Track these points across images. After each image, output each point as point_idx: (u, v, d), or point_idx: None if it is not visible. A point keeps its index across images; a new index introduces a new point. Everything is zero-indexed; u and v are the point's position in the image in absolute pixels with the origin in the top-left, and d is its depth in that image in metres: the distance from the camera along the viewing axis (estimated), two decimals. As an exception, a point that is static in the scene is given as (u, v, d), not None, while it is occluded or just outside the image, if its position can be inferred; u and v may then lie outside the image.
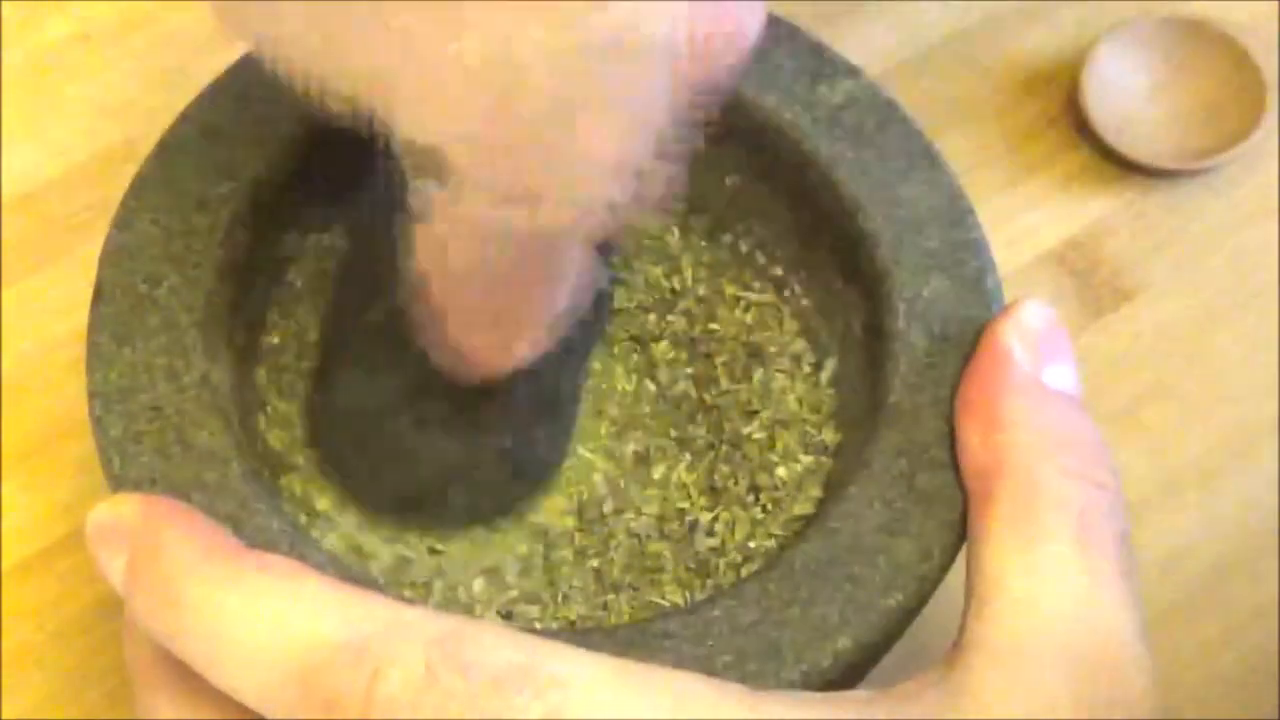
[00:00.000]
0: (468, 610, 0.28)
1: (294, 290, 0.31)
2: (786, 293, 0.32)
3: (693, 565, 0.29)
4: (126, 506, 0.24)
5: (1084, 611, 0.23)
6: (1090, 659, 0.23)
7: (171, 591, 0.23)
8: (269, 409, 0.30)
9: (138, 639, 0.24)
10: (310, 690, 0.21)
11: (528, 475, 0.30)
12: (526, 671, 0.21)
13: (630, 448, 0.30)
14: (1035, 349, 0.26)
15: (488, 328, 0.25)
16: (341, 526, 0.29)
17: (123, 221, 0.28)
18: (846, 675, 0.25)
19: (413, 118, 0.21)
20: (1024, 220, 0.41)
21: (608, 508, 0.30)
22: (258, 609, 0.22)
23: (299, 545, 0.25)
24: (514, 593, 0.29)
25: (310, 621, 0.22)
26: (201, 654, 0.22)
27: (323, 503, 0.29)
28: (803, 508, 0.29)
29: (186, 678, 0.23)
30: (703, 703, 0.21)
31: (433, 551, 0.29)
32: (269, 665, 0.22)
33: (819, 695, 0.23)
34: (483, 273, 0.23)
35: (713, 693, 0.22)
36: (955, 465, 0.26)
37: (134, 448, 0.25)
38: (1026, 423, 0.25)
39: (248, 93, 0.29)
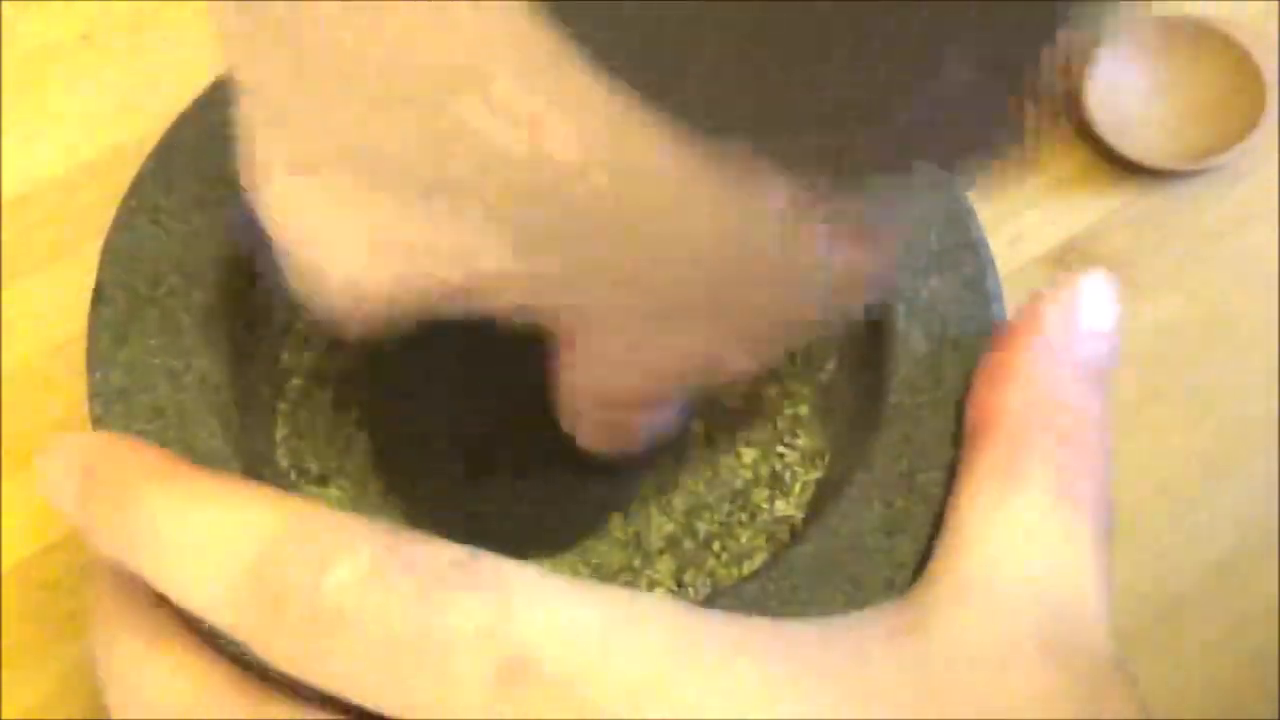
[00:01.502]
0: None
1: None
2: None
3: (691, 563, 0.29)
4: (84, 436, 0.24)
5: (1054, 563, 0.23)
6: (1057, 606, 0.23)
7: (123, 500, 0.23)
8: (281, 414, 0.30)
9: (99, 577, 0.25)
10: (258, 586, 0.21)
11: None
12: (472, 568, 0.21)
13: None
14: (1069, 315, 0.26)
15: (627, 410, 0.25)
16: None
17: (123, 222, 0.28)
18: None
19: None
20: (1024, 220, 0.41)
21: None
22: (208, 511, 0.22)
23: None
24: None
25: (259, 522, 0.22)
26: (150, 559, 0.22)
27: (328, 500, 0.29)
28: (800, 507, 0.29)
29: (143, 608, 0.23)
30: (647, 610, 0.22)
31: None
32: (217, 564, 0.22)
33: (768, 623, 0.23)
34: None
35: (659, 603, 0.22)
36: (954, 466, 0.26)
37: None
38: (1034, 382, 0.25)
39: None
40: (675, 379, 0.23)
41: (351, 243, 0.21)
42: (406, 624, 0.21)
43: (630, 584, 0.29)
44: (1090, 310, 0.26)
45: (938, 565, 0.24)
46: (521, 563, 0.22)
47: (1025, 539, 0.23)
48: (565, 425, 0.25)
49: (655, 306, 0.21)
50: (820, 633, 0.23)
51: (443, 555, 0.21)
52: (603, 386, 0.23)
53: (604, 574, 0.29)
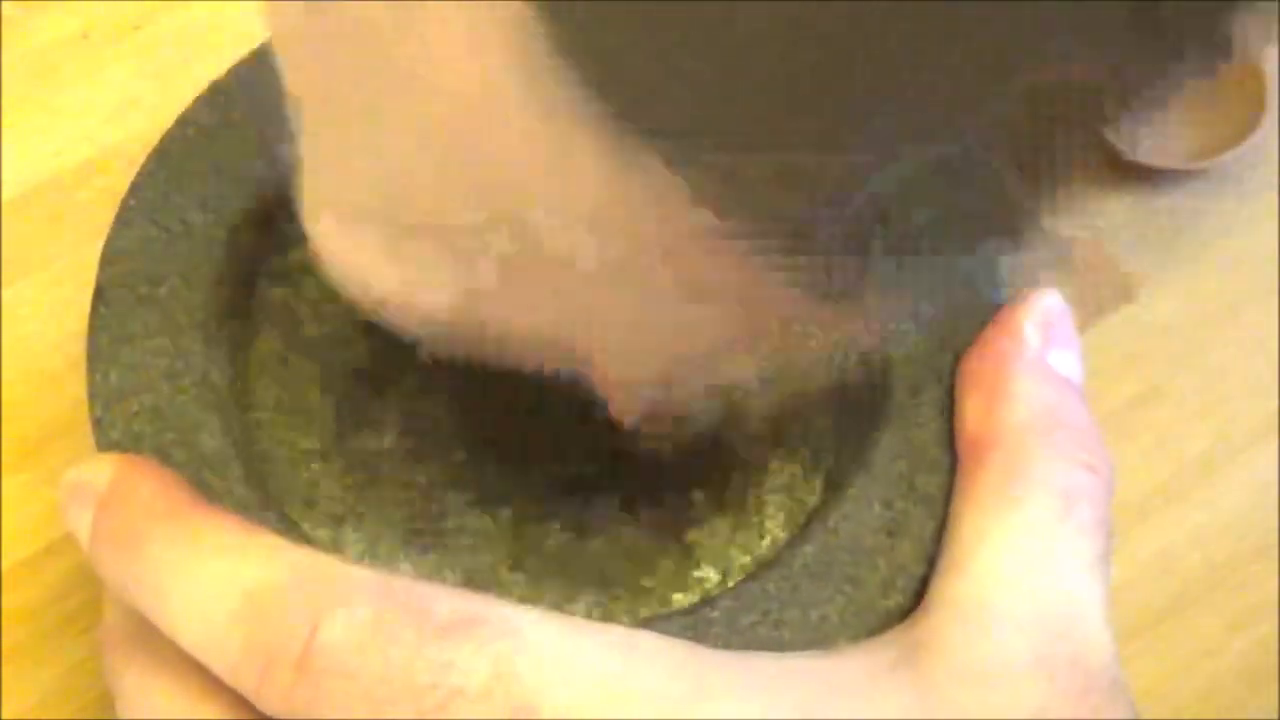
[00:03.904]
0: None
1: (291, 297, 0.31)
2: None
3: (692, 566, 0.29)
4: (99, 465, 0.24)
5: (1053, 584, 0.23)
6: (1055, 627, 0.23)
7: (130, 540, 0.23)
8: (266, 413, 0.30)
9: (111, 602, 0.25)
10: (252, 636, 0.21)
11: None
12: (475, 620, 0.21)
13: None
14: (1046, 332, 0.26)
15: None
16: (339, 530, 0.29)
17: (123, 222, 0.28)
18: (846, 676, 0.25)
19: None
20: (1024, 220, 0.41)
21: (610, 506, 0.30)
22: (208, 557, 0.22)
23: (298, 546, 0.25)
24: (515, 595, 0.29)
25: (258, 570, 0.22)
26: (152, 601, 0.23)
27: (323, 505, 0.29)
28: (800, 510, 0.29)
29: (149, 641, 0.23)
30: (650, 652, 0.22)
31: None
32: (213, 610, 0.22)
33: (771, 659, 0.23)
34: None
35: (661, 644, 0.22)
36: (955, 466, 0.26)
37: (134, 449, 0.25)
38: (1027, 399, 0.25)
39: (249, 93, 0.29)
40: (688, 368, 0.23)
41: (381, 272, 0.21)
42: (409, 677, 0.21)
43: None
44: (1062, 326, 0.26)
45: (938, 589, 0.24)
46: (522, 606, 0.22)
47: (1026, 562, 0.23)
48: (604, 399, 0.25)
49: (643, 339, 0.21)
50: (824, 667, 0.23)
51: (443, 604, 0.21)
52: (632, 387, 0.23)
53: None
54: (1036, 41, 0.15)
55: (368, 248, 0.20)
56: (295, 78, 0.20)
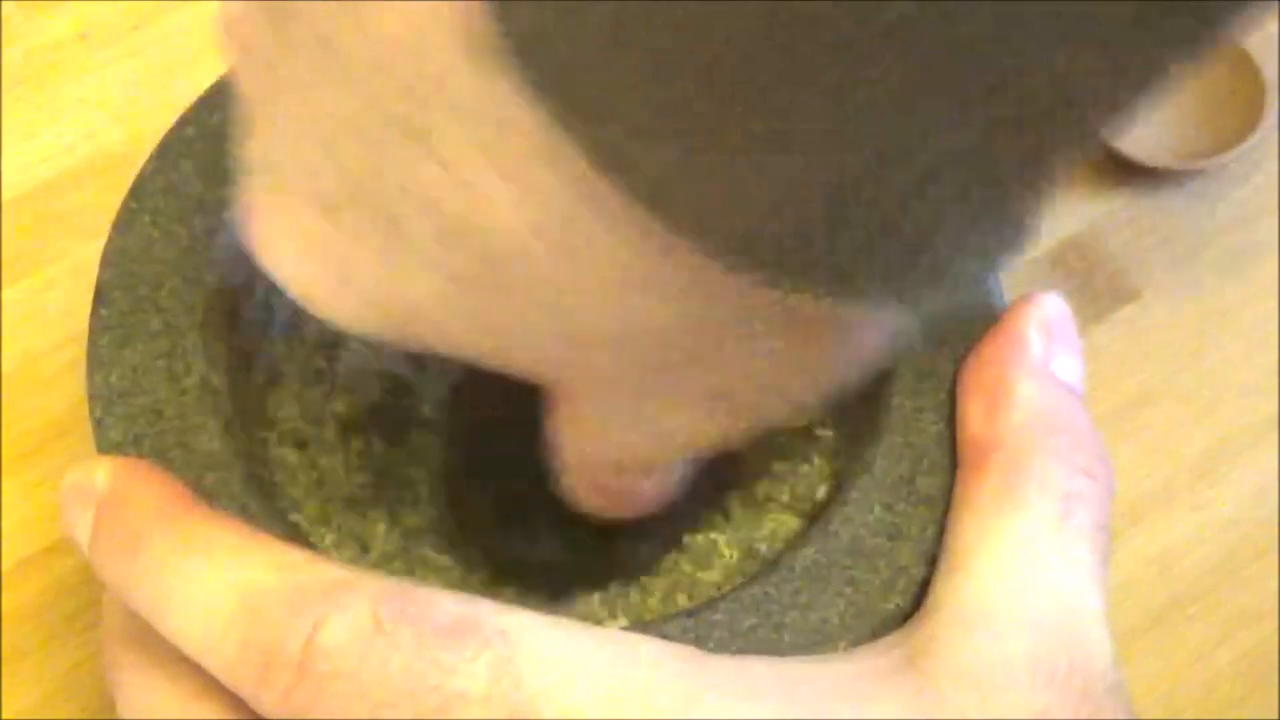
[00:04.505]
0: None
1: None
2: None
3: (692, 569, 0.29)
4: (98, 468, 0.24)
5: (1052, 587, 0.23)
6: (1053, 630, 0.23)
7: (129, 543, 0.23)
8: (274, 417, 0.30)
9: (111, 603, 0.25)
10: (250, 638, 0.21)
11: None
12: (474, 624, 0.21)
13: None
14: (1048, 337, 0.26)
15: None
16: (341, 532, 0.29)
17: (123, 223, 0.28)
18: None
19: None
20: (1024, 220, 0.41)
21: None
22: (207, 559, 0.22)
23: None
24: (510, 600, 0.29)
25: (256, 572, 0.22)
26: (151, 603, 0.23)
27: (322, 508, 0.29)
28: (801, 512, 0.29)
29: (149, 642, 0.23)
30: (647, 656, 0.22)
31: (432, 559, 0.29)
32: (211, 611, 0.22)
33: (771, 663, 0.23)
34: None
35: (661, 648, 0.22)
36: (955, 468, 0.26)
37: (134, 450, 0.25)
38: (1029, 404, 0.25)
39: None
40: (663, 450, 0.23)
41: (306, 267, 0.20)
42: (409, 680, 0.21)
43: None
44: (1065, 332, 0.26)
45: (938, 592, 0.24)
46: (521, 610, 0.22)
47: (1025, 565, 0.23)
48: (562, 486, 0.25)
49: (614, 374, 0.20)
50: (824, 671, 0.23)
51: (444, 607, 0.21)
52: (594, 449, 0.23)
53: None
54: (1029, 41, 0.15)
55: (297, 227, 0.20)
56: (246, 78, 0.20)
